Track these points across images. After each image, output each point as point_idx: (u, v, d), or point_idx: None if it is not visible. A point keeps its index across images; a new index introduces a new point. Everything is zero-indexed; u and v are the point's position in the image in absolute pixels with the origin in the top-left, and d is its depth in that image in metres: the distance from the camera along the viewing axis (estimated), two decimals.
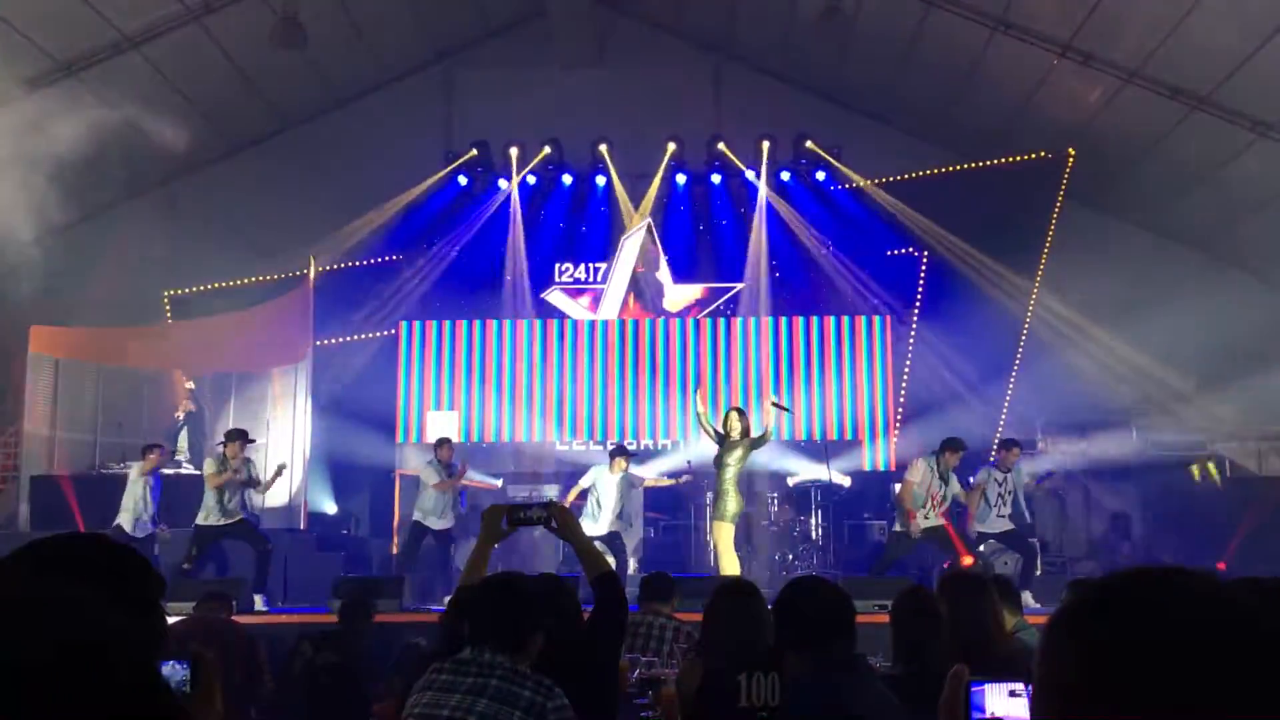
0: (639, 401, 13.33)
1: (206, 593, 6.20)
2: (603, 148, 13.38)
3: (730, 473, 8.92)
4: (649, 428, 13.26)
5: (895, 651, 3.52)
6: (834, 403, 13.21)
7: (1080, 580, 4.84)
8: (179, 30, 11.23)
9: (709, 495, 10.28)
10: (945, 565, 9.04)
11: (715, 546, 9.20)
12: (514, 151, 13.42)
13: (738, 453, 8.97)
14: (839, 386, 13.25)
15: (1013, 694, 2.19)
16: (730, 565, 8.79)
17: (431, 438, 13.21)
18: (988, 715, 2.14)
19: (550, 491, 11.59)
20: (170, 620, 1.92)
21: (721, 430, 9.11)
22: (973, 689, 2.15)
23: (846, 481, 12.05)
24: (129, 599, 1.51)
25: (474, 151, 13.47)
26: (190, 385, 12.93)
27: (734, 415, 9.14)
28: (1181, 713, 0.74)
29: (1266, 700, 0.74)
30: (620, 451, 10.35)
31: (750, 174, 13.46)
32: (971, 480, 9.43)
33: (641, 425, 13.27)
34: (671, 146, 13.36)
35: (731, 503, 8.88)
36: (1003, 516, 9.27)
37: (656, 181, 13.55)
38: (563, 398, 13.31)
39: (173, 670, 1.47)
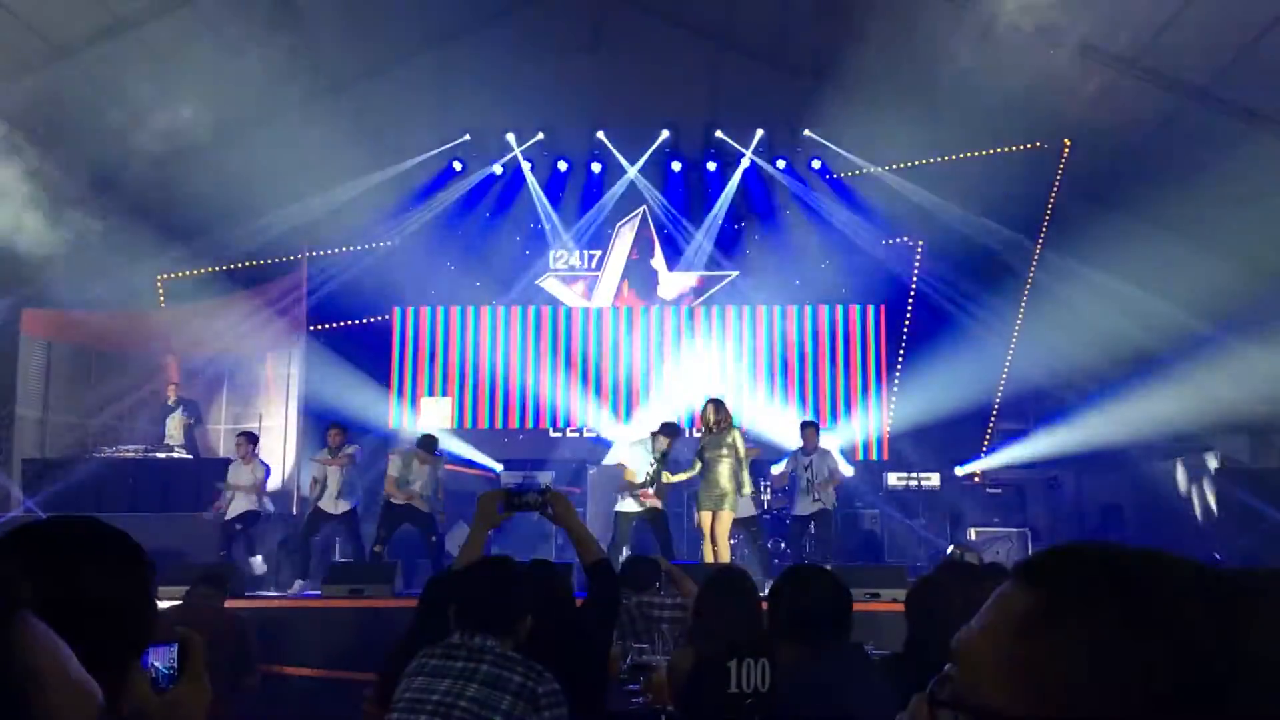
0: (633, 388, 13.33)
1: (198, 578, 6.12)
2: (598, 134, 13.33)
3: (726, 465, 8.88)
4: (644, 415, 13.25)
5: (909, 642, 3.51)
6: (827, 390, 13.21)
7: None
8: (173, 13, 11.15)
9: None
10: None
11: (716, 537, 8.96)
12: (509, 138, 13.37)
13: (728, 440, 8.95)
14: (833, 374, 13.26)
15: None
16: (725, 554, 8.83)
17: (425, 424, 13.22)
18: None
19: (544, 478, 11.58)
20: (162, 605, 1.91)
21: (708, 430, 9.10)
22: None
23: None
24: (116, 582, 1.50)
25: (468, 137, 13.42)
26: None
27: (710, 407, 9.14)
28: (1182, 702, 0.73)
29: (1267, 686, 0.73)
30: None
31: (746, 162, 13.43)
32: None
33: (636, 413, 13.27)
34: (666, 134, 13.33)
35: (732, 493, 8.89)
36: (818, 500, 9.79)
37: (652, 169, 13.52)
38: (556, 384, 13.31)
39: (160, 655, 1.46)
